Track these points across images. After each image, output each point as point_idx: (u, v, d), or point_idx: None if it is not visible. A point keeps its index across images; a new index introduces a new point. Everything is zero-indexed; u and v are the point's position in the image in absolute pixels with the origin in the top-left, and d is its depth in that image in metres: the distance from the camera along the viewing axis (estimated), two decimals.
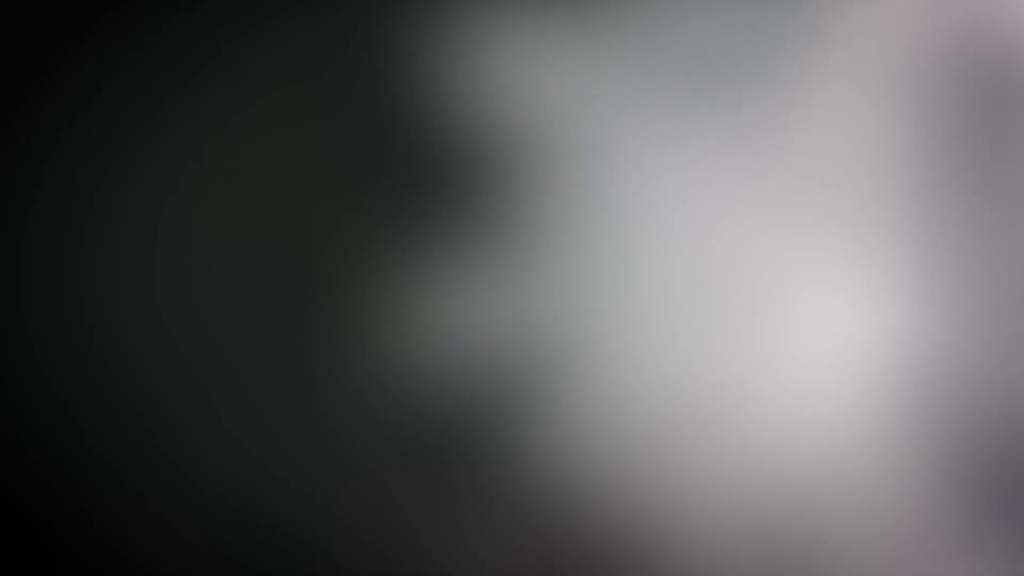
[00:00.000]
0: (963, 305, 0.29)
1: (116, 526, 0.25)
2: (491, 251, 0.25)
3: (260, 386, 0.25)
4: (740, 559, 0.28)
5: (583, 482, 0.28)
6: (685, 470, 0.27)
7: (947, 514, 0.28)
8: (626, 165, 0.26)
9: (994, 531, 0.28)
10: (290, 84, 0.23)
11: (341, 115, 0.23)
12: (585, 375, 0.27)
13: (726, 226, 0.27)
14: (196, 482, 0.25)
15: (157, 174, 0.23)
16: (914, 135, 0.28)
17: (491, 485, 0.27)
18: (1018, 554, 0.29)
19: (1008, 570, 0.28)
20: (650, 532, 0.27)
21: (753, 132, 0.27)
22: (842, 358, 0.28)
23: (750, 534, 0.28)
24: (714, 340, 0.27)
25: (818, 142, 0.28)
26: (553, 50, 0.25)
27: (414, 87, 0.24)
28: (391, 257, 0.25)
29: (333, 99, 0.24)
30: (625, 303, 0.27)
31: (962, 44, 0.29)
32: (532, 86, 0.25)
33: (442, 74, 0.24)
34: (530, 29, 0.24)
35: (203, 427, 0.25)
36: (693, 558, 0.27)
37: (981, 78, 0.29)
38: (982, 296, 0.29)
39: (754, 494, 0.26)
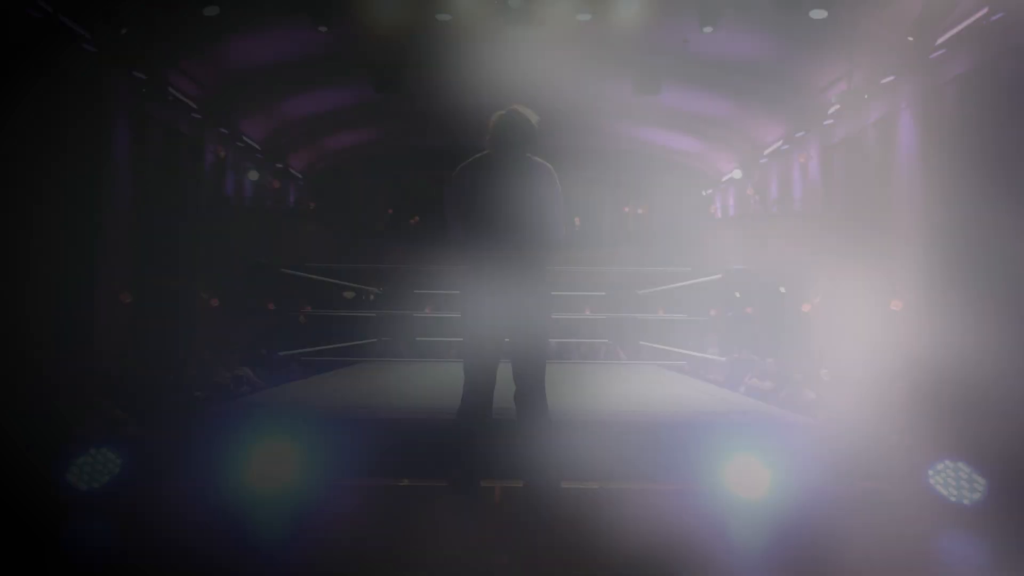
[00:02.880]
0: (988, 306, 0.28)
1: (108, 524, 0.25)
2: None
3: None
4: (756, 563, 0.27)
5: (594, 488, 0.27)
6: (698, 475, 0.26)
7: (966, 515, 0.28)
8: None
9: (1014, 533, 0.28)
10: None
11: None
12: (593, 377, 0.27)
13: (743, 224, 0.26)
14: (190, 484, 0.24)
15: None
16: (937, 133, 0.28)
17: (497, 493, 0.26)
18: None
19: None
20: (661, 539, 0.27)
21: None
22: (863, 359, 0.28)
23: (763, 536, 0.27)
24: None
25: (837, 138, 0.28)
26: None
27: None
28: (394, 258, 0.24)
29: None
30: (637, 297, 0.26)
31: (988, 38, 0.29)
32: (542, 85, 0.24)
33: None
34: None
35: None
36: (708, 567, 0.27)
37: (1008, 72, 0.28)
38: (1009, 297, 0.28)
39: (767, 493, 0.26)
